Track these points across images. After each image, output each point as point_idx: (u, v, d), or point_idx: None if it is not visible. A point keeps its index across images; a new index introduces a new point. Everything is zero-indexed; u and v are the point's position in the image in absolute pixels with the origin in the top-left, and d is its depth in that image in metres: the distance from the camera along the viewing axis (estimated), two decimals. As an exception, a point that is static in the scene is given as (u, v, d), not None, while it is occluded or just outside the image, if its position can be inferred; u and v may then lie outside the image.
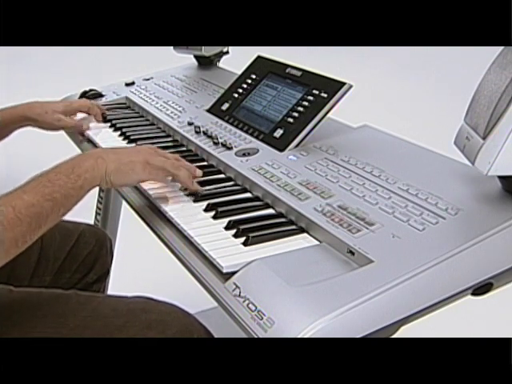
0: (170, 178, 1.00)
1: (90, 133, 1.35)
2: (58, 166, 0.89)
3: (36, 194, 0.82)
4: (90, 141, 1.34)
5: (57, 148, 1.86)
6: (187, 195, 1.01)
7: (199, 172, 1.04)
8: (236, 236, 0.86)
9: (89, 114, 1.41)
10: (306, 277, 0.74)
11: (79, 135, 1.39)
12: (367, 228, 0.81)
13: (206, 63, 1.69)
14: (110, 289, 1.57)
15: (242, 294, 0.74)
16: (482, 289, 0.77)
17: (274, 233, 0.87)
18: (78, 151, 1.37)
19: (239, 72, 1.36)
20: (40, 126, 1.33)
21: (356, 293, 0.69)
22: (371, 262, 0.74)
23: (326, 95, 1.10)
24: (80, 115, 1.41)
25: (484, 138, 0.77)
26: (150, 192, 1.03)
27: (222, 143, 1.16)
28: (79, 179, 0.88)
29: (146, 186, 1.04)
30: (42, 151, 2.85)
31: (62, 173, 0.87)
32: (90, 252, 1.32)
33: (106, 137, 1.33)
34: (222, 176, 1.10)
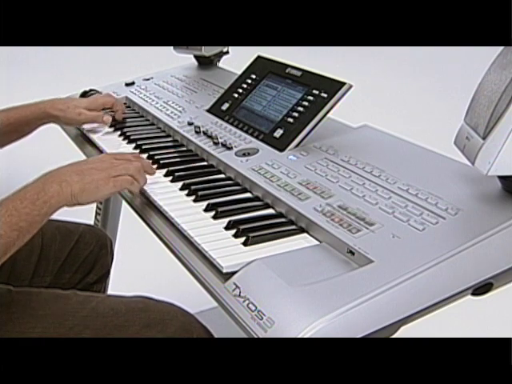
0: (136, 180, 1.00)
1: (97, 141, 1.34)
2: (23, 189, 0.89)
3: (4, 223, 0.83)
4: (90, 141, 1.34)
5: (57, 148, 1.86)
6: (187, 195, 1.01)
7: (154, 171, 1.06)
8: (236, 236, 0.86)
9: (112, 110, 1.40)
10: (306, 277, 0.74)
11: (85, 141, 1.38)
12: (367, 228, 0.81)
13: (206, 63, 1.69)
14: (110, 289, 1.57)
15: (242, 294, 0.74)
16: (481, 289, 0.77)
17: (274, 233, 0.87)
18: (78, 150, 1.37)
19: (239, 72, 1.36)
20: (62, 122, 1.33)
21: (356, 293, 0.69)
22: (371, 261, 0.74)
23: (326, 95, 1.10)
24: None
25: (484, 138, 0.77)
26: (150, 192, 1.03)
27: (222, 143, 1.16)
28: (44, 206, 0.88)
29: (146, 186, 1.04)
30: (42, 151, 2.85)
31: (27, 199, 0.87)
32: (90, 252, 1.33)
33: (105, 137, 1.33)
34: (222, 176, 1.10)
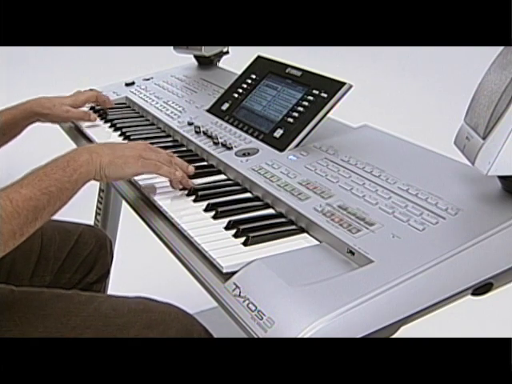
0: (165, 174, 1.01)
1: (90, 133, 1.35)
2: (54, 160, 0.91)
3: (33, 187, 0.84)
4: (90, 140, 1.34)
5: (56, 147, 1.86)
6: (187, 195, 1.01)
7: (191, 169, 1.06)
8: (236, 236, 0.86)
9: (98, 103, 1.44)
10: (306, 277, 0.74)
11: (78, 133, 1.39)
12: (367, 228, 0.81)
13: (206, 63, 1.69)
14: (110, 289, 1.57)
15: (242, 294, 0.74)
16: (481, 289, 0.77)
17: (274, 233, 0.87)
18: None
19: (239, 72, 1.36)
20: (49, 119, 1.35)
21: (356, 293, 0.69)
22: (371, 261, 0.74)
23: (326, 95, 1.10)
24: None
25: (484, 138, 0.77)
26: (150, 192, 1.03)
27: (222, 143, 1.16)
28: (74, 173, 0.90)
29: (146, 186, 1.04)
30: (41, 150, 2.85)
31: (57, 167, 0.89)
32: (90, 252, 1.33)
33: (105, 137, 1.33)
34: (222, 176, 1.10)
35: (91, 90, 1.54)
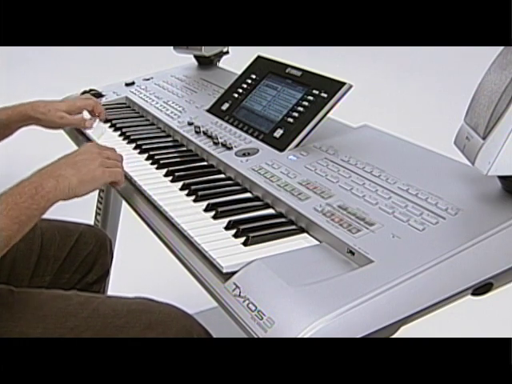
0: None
1: (90, 132, 1.35)
2: (21, 185, 0.91)
3: (5, 217, 0.86)
4: (90, 140, 1.34)
5: (56, 147, 1.86)
6: (187, 195, 1.01)
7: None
8: (236, 236, 0.86)
9: (93, 112, 1.39)
10: (306, 277, 0.74)
11: (79, 134, 1.39)
12: (367, 228, 0.81)
13: (206, 63, 1.69)
14: (110, 289, 1.57)
15: (242, 294, 0.74)
16: (481, 289, 0.77)
17: (274, 233, 0.87)
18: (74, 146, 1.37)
19: (239, 72, 1.36)
20: (43, 124, 1.33)
21: (356, 293, 0.69)
22: (371, 261, 0.74)
23: (326, 95, 1.10)
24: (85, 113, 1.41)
25: (484, 138, 0.77)
26: (150, 192, 1.03)
27: (222, 143, 1.16)
28: (42, 200, 0.90)
29: (146, 186, 1.04)
30: (41, 150, 2.85)
31: (26, 194, 0.89)
32: (90, 252, 1.32)
33: (105, 137, 1.33)
34: (222, 176, 1.10)
35: (93, 92, 1.54)
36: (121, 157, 1.07)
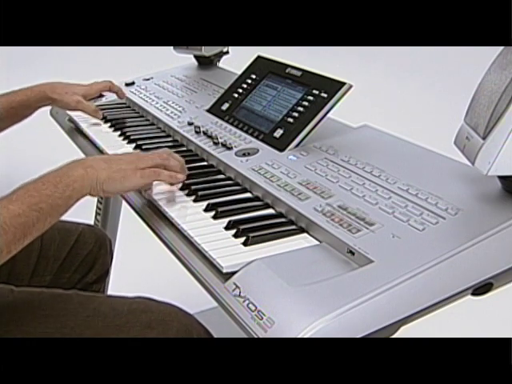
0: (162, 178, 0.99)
1: (90, 132, 1.35)
2: (45, 175, 0.87)
3: (22, 203, 0.81)
4: (90, 140, 1.34)
5: (56, 147, 1.86)
6: (187, 195, 1.01)
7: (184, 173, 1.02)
8: (236, 236, 0.86)
9: (111, 91, 1.46)
10: (306, 277, 0.74)
11: (79, 134, 1.39)
12: (367, 228, 0.81)
13: (206, 63, 1.69)
14: (110, 289, 1.57)
15: (242, 294, 0.74)
16: (481, 289, 0.77)
17: (274, 233, 0.87)
18: (77, 149, 1.37)
19: (239, 72, 1.36)
20: (58, 105, 1.37)
21: (356, 293, 0.69)
22: (371, 261, 0.74)
23: (326, 95, 1.10)
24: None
25: (484, 138, 0.77)
26: (150, 192, 1.03)
27: (222, 143, 1.16)
28: (67, 189, 0.86)
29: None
30: (42, 150, 2.85)
31: (49, 182, 0.85)
32: (90, 252, 1.33)
33: (105, 137, 1.33)
34: (222, 176, 1.10)
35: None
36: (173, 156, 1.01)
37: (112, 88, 1.46)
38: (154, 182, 1.00)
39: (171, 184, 1.01)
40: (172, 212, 0.95)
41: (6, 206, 0.80)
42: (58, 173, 0.88)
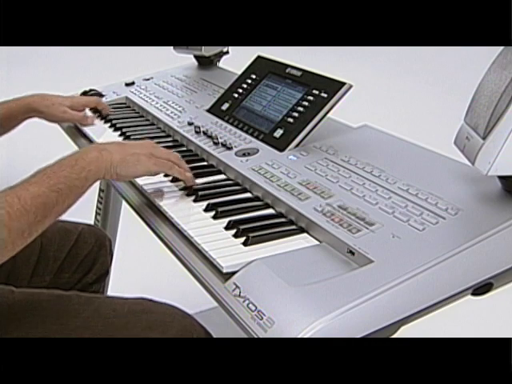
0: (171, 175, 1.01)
1: (89, 132, 1.35)
2: (62, 158, 0.90)
3: (41, 185, 0.83)
4: (90, 140, 1.34)
5: (56, 147, 1.86)
6: (187, 195, 1.01)
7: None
8: (236, 236, 0.86)
9: (97, 109, 1.44)
10: (306, 277, 0.74)
11: (78, 133, 1.39)
12: (367, 228, 0.81)
13: (205, 63, 1.69)
14: (110, 289, 1.57)
15: (242, 294, 0.74)
16: (481, 289, 0.77)
17: (274, 233, 0.87)
18: (77, 149, 1.37)
19: (239, 72, 1.36)
20: (45, 117, 1.35)
21: (356, 293, 0.69)
22: (371, 261, 0.74)
23: (326, 95, 1.10)
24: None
25: (484, 138, 0.77)
26: (150, 192, 1.03)
27: (222, 143, 1.16)
28: (83, 171, 0.89)
29: (146, 186, 1.04)
30: (42, 150, 2.85)
31: (66, 164, 0.88)
32: (90, 252, 1.32)
33: (105, 137, 1.33)
34: (222, 176, 1.10)
35: (93, 92, 1.55)
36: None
37: (98, 105, 1.44)
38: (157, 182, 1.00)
39: (180, 180, 1.03)
40: (172, 212, 0.95)
41: (26, 188, 0.82)
42: (74, 156, 0.91)
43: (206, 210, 0.96)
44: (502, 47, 0.82)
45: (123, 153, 0.94)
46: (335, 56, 3.92)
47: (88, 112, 1.43)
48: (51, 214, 0.85)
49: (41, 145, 2.84)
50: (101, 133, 1.35)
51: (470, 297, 0.77)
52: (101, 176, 0.92)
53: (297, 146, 1.09)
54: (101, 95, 1.59)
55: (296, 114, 1.12)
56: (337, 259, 0.79)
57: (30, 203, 0.81)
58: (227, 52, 1.67)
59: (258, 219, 0.91)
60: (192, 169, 1.12)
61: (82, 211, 1.09)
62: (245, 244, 0.84)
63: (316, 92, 1.12)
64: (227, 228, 0.89)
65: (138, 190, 1.07)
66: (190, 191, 1.02)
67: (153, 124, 1.40)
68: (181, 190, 1.03)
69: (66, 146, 1.48)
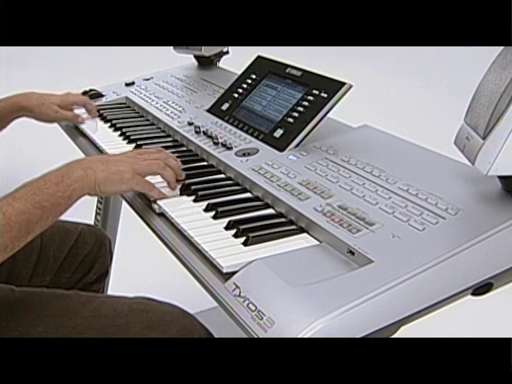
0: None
1: (89, 132, 1.35)
2: (47, 174, 0.90)
3: (26, 201, 0.83)
4: (89, 139, 1.34)
5: (56, 146, 1.86)
6: (187, 195, 1.01)
7: (182, 174, 1.05)
8: (236, 236, 0.86)
9: (85, 107, 1.43)
10: (306, 277, 0.74)
11: (76, 131, 1.40)
12: (367, 228, 0.81)
13: (205, 63, 1.69)
14: (110, 289, 1.57)
15: (242, 294, 0.74)
16: (482, 289, 0.77)
17: (274, 233, 0.87)
18: (76, 149, 1.37)
19: (239, 72, 1.36)
20: (36, 117, 1.34)
21: (356, 293, 0.69)
22: (371, 261, 0.74)
23: (326, 95, 1.10)
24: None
25: (484, 138, 0.77)
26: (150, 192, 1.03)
27: (222, 143, 1.16)
28: (68, 189, 0.89)
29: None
30: (41, 149, 2.85)
31: (51, 181, 0.88)
32: (89, 252, 1.33)
33: (105, 137, 1.33)
34: (222, 176, 1.10)
35: (93, 92, 1.55)
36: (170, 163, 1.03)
37: (87, 105, 1.42)
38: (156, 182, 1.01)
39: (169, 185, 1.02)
40: (172, 212, 0.95)
41: (11, 204, 0.82)
42: (59, 172, 0.91)
43: (206, 209, 0.96)
44: (502, 47, 0.82)
45: (107, 171, 0.94)
46: (335, 56, 3.92)
47: (77, 110, 1.42)
48: (34, 230, 0.85)
49: (41, 144, 2.84)
50: (101, 133, 1.35)
51: (469, 297, 0.77)
52: (85, 193, 0.92)
53: (297, 146, 1.09)
54: (101, 95, 1.59)
55: (296, 114, 1.12)
56: (337, 259, 0.79)
57: (15, 220, 0.81)
58: (227, 52, 1.67)
59: (258, 219, 0.91)
60: (192, 169, 1.12)
61: (82, 211, 1.09)
62: (245, 244, 0.84)
63: (316, 92, 1.12)
64: (227, 228, 0.89)
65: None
66: (183, 187, 1.02)
67: (153, 124, 1.40)
68: (181, 190, 1.03)
69: (65, 145, 1.48)
